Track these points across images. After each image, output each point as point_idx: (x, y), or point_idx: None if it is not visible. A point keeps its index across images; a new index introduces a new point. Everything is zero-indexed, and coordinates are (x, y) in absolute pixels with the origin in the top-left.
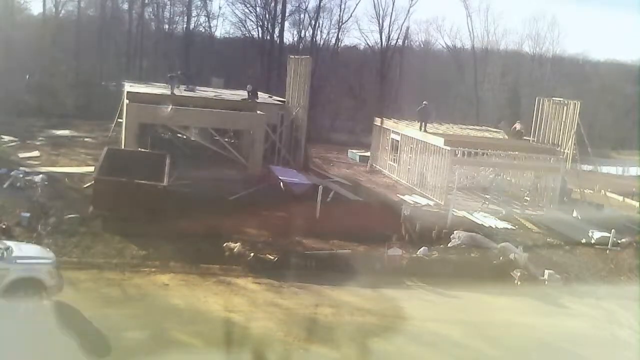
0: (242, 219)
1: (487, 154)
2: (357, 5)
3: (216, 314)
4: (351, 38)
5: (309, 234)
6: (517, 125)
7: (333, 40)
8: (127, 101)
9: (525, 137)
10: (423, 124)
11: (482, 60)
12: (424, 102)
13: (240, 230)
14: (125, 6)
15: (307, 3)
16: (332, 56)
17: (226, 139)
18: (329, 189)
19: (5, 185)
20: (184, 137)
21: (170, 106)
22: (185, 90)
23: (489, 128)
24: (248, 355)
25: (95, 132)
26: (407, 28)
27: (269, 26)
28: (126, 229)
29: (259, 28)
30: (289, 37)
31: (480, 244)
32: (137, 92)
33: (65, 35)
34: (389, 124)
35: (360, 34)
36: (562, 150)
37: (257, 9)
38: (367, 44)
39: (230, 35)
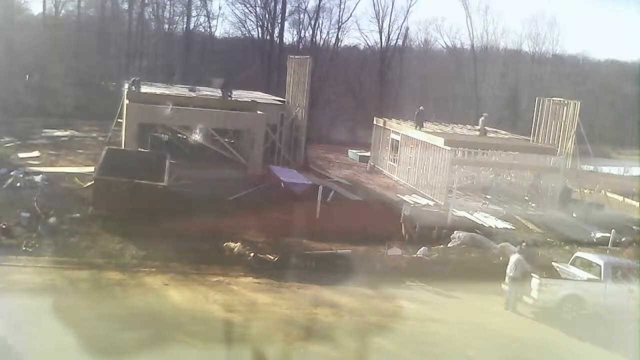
0: (242, 219)
1: (487, 153)
2: (356, 5)
3: (216, 314)
4: (351, 38)
5: (309, 234)
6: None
7: (333, 40)
8: (127, 101)
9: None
10: (419, 126)
11: (482, 60)
12: (420, 107)
13: (240, 230)
14: (125, 6)
15: (306, 3)
16: (332, 56)
17: (226, 139)
18: (328, 189)
19: (5, 185)
20: (184, 137)
21: (170, 106)
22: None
23: (492, 128)
24: (247, 355)
25: (95, 132)
26: (407, 28)
27: (269, 26)
28: (126, 229)
29: (259, 28)
30: (289, 37)
31: (481, 244)
32: (137, 92)
33: (65, 35)
34: (389, 124)
35: (360, 34)
36: (562, 150)
37: (257, 9)
38: (367, 44)
39: (230, 35)
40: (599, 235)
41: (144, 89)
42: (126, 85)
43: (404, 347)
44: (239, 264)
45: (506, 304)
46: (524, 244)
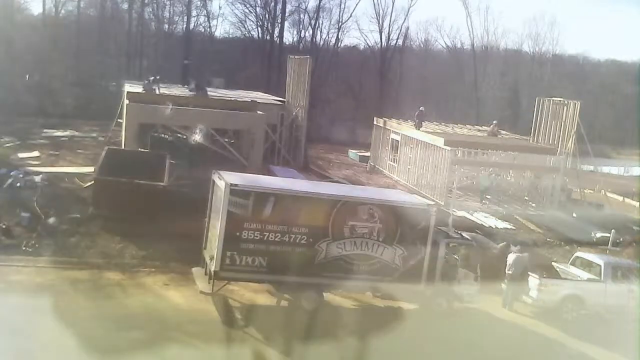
0: None
1: (487, 153)
2: (356, 5)
3: (217, 314)
4: (351, 38)
5: None
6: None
7: (333, 40)
8: (127, 101)
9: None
10: (418, 126)
11: (482, 60)
12: (420, 108)
13: None
14: (125, 6)
15: (306, 3)
16: (332, 56)
17: (226, 139)
18: None
19: (5, 186)
20: (184, 137)
21: (170, 106)
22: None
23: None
24: (246, 354)
25: (95, 132)
26: (407, 28)
27: (269, 26)
28: (126, 229)
29: (259, 28)
30: (289, 37)
31: (481, 244)
32: (137, 92)
33: (65, 35)
34: (389, 124)
35: (360, 34)
36: (562, 150)
37: (257, 9)
38: (367, 44)
39: (230, 35)
40: (599, 235)
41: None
42: (127, 85)
43: (404, 345)
44: None
45: (503, 302)
46: (518, 246)
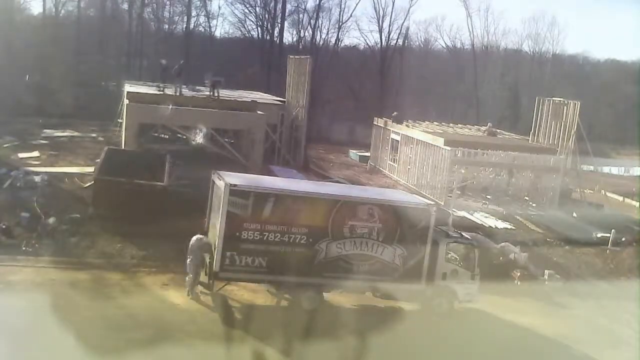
0: None
1: (487, 153)
2: (356, 5)
3: (211, 315)
4: (351, 38)
5: None
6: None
7: (333, 40)
8: (127, 101)
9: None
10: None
11: (482, 60)
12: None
13: None
14: (125, 6)
15: (306, 3)
16: (332, 56)
17: (226, 139)
18: None
19: (5, 185)
20: (184, 137)
21: (170, 106)
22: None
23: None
24: (248, 352)
25: (95, 132)
26: (407, 28)
27: (269, 26)
28: (126, 229)
29: (259, 28)
30: (289, 37)
31: (481, 244)
32: (137, 92)
33: (65, 35)
34: (389, 124)
35: (360, 34)
36: (562, 150)
37: (257, 9)
38: (367, 44)
39: (230, 36)
40: (599, 235)
41: (143, 89)
42: (127, 85)
43: (406, 343)
44: None
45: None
46: None
